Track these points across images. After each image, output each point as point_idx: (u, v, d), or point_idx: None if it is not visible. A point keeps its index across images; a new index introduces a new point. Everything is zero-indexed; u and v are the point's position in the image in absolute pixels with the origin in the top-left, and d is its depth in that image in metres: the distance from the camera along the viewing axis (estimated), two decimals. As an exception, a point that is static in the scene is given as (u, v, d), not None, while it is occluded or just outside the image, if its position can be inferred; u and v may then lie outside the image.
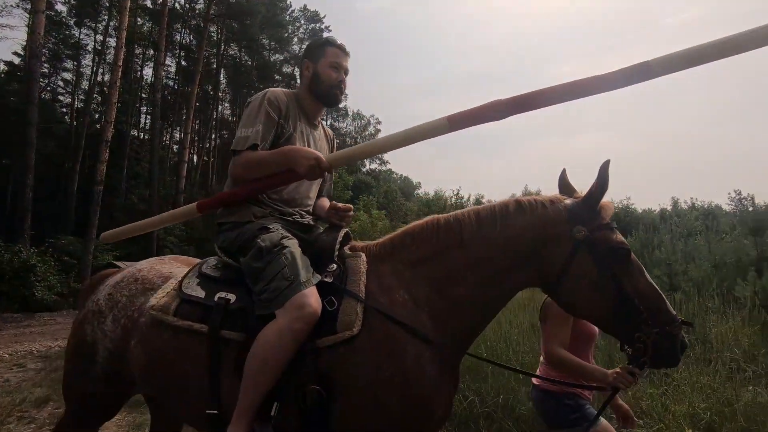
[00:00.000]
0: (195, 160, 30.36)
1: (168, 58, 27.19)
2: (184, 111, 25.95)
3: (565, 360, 1.80)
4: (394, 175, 50.46)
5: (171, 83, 29.26)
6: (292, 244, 1.52)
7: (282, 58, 34.21)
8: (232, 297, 1.50)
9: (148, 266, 1.81)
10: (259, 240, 1.52)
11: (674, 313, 1.40)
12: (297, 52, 34.14)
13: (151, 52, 26.78)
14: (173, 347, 1.50)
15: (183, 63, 29.11)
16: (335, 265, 1.52)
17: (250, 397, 1.33)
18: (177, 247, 18.79)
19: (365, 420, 1.35)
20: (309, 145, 1.74)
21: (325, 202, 1.89)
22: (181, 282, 1.62)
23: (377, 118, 44.99)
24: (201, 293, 1.55)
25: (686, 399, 2.84)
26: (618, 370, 1.59)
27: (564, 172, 1.61)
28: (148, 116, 28.09)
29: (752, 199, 11.71)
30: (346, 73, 1.79)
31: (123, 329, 1.62)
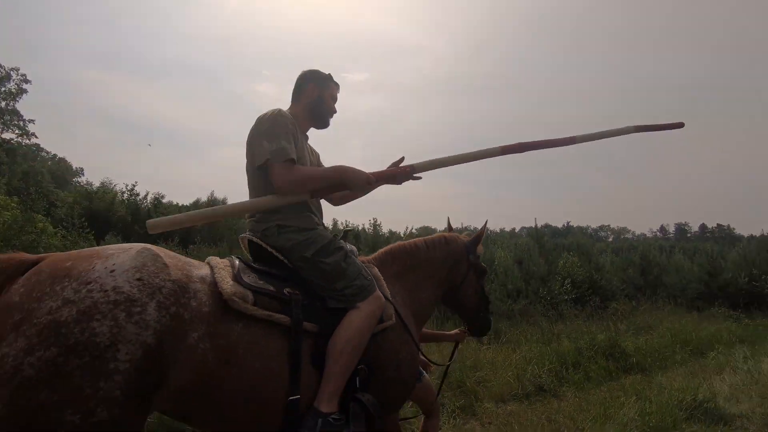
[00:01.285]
0: None
1: None
2: None
3: (424, 334, 2.58)
4: (44, 154, 38.38)
5: None
6: None
7: None
8: (298, 292, 1.66)
9: (160, 252, 1.45)
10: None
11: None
12: None
13: None
14: (248, 340, 1.47)
15: None
16: None
17: (341, 377, 1.59)
18: None
19: (389, 390, 1.81)
20: (305, 156, 1.93)
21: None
22: (236, 274, 1.56)
23: (24, 75, 29.35)
24: (269, 287, 1.60)
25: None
26: (457, 331, 2.64)
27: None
28: None
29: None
30: None
31: (175, 320, 1.32)
